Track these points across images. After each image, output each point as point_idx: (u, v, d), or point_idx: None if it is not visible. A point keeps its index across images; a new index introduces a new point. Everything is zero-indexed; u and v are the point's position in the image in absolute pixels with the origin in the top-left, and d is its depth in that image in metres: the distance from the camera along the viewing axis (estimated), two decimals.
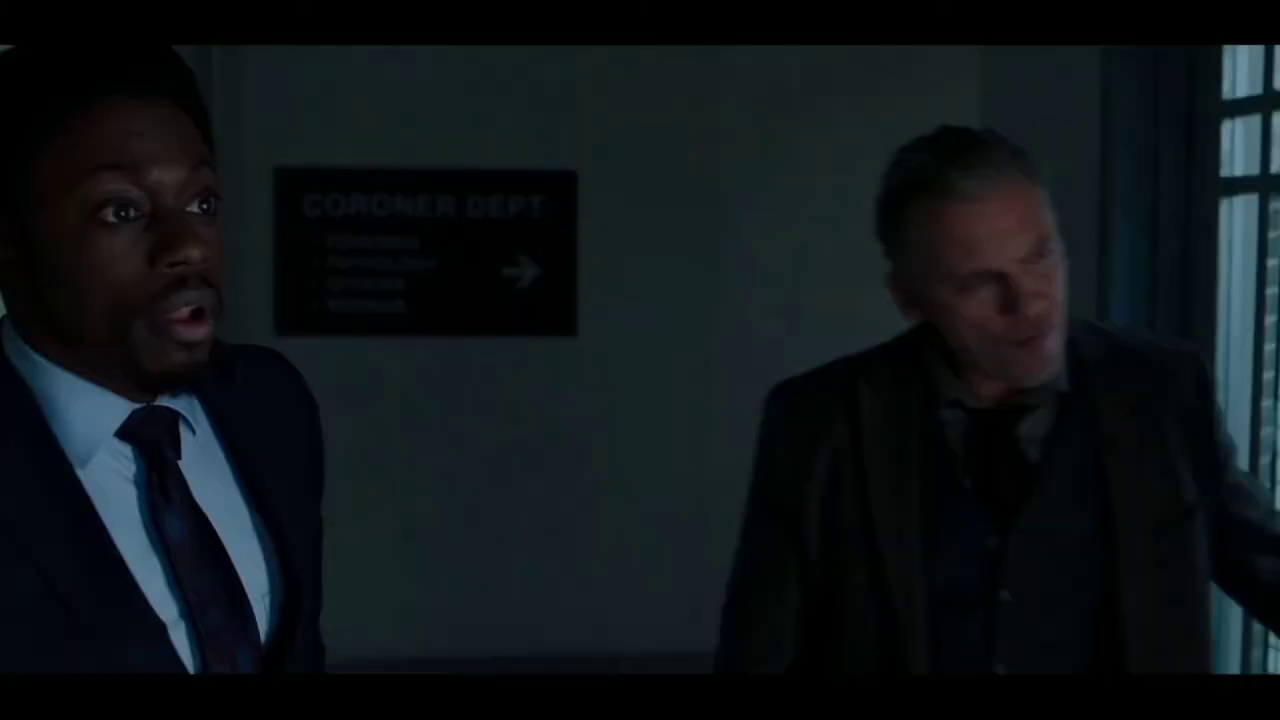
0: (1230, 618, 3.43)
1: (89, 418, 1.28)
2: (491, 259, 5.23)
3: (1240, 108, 3.43)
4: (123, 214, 1.22)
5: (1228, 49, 3.42)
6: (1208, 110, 3.42)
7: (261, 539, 1.40)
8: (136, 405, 1.31)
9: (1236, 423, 3.33)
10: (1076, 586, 1.92)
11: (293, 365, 1.55)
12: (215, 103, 5.11)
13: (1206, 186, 3.43)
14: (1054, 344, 1.86)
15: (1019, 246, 1.82)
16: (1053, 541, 1.91)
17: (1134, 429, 1.92)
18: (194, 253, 1.23)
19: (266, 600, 1.39)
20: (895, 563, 1.92)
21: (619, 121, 5.15)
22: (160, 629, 1.28)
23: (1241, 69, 3.46)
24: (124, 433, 1.31)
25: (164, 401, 1.33)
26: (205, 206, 1.27)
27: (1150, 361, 1.98)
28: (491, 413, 5.18)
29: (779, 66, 4.89)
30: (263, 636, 1.38)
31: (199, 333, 1.26)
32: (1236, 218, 3.43)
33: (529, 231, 5.26)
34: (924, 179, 1.86)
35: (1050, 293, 1.84)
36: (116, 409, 1.30)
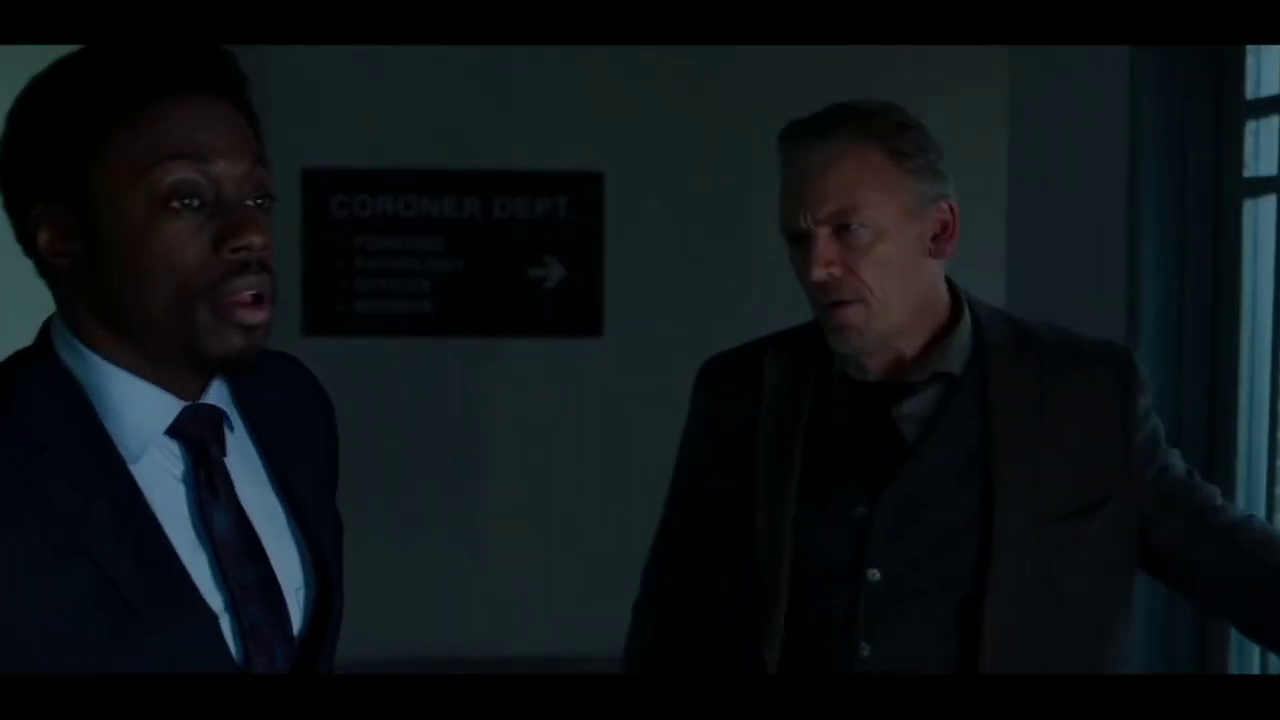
0: None
1: (141, 415, 1.31)
2: (518, 260, 5.24)
3: (1264, 108, 3.41)
4: (188, 201, 1.27)
5: (1252, 49, 3.41)
6: (1234, 111, 3.41)
7: (294, 535, 1.44)
8: (185, 404, 1.35)
9: (1256, 422, 3.31)
10: (949, 573, 1.86)
11: (306, 367, 1.59)
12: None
13: (1232, 187, 3.42)
14: (855, 315, 1.86)
15: (819, 211, 1.85)
16: (925, 523, 1.87)
17: (1028, 419, 1.88)
18: (256, 239, 1.29)
19: (300, 595, 1.43)
20: (766, 529, 1.94)
21: (645, 123, 5.15)
22: (212, 619, 1.32)
23: (1268, 69, 3.45)
24: (172, 430, 1.34)
25: (208, 399, 1.37)
26: (261, 202, 1.33)
27: (1061, 355, 1.93)
28: (517, 413, 5.18)
29: (808, 66, 4.89)
30: (295, 631, 1.42)
31: (258, 316, 1.31)
32: (1261, 218, 3.42)
33: (555, 232, 5.26)
34: (779, 143, 1.96)
35: (836, 262, 1.85)
36: (167, 407, 1.33)
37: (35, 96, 1.31)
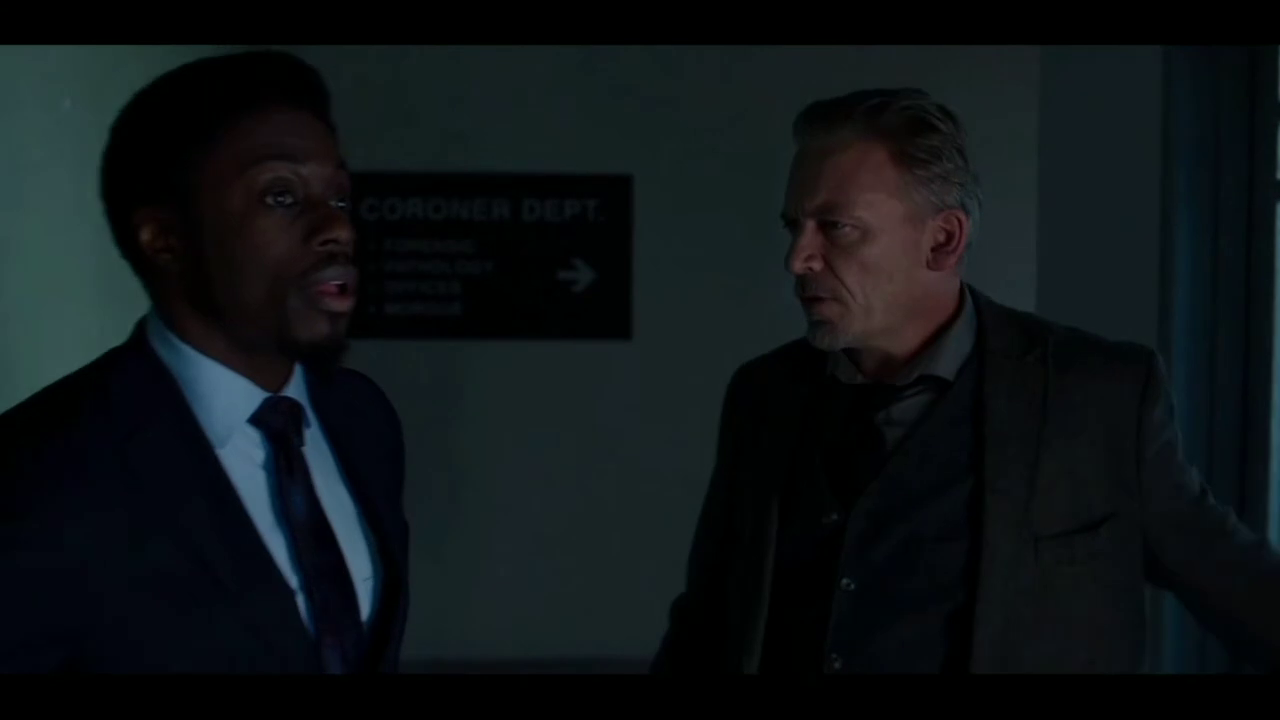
0: None
1: (228, 403, 1.43)
2: (547, 263, 5.24)
3: None
4: (282, 198, 1.40)
5: None
6: (1266, 113, 3.38)
7: (363, 530, 1.53)
8: (268, 394, 1.45)
9: None
10: (930, 586, 1.76)
11: (379, 386, 1.73)
12: None
13: (1264, 189, 3.40)
14: (829, 312, 1.79)
15: (809, 202, 1.79)
16: (902, 533, 1.77)
17: (1026, 427, 1.76)
18: (342, 234, 1.42)
19: (369, 585, 1.51)
20: (751, 537, 1.90)
21: (674, 125, 5.15)
22: (290, 594, 1.42)
23: None
24: (255, 419, 1.45)
25: (288, 393, 1.48)
26: (342, 204, 1.45)
27: (1072, 359, 1.81)
28: (547, 416, 5.18)
29: (837, 68, 4.87)
30: (364, 619, 1.50)
31: (343, 304, 1.43)
32: None
33: (584, 235, 5.26)
34: (794, 124, 1.88)
35: (816, 256, 1.77)
36: (252, 396, 1.44)
37: (141, 108, 1.44)
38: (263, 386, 1.46)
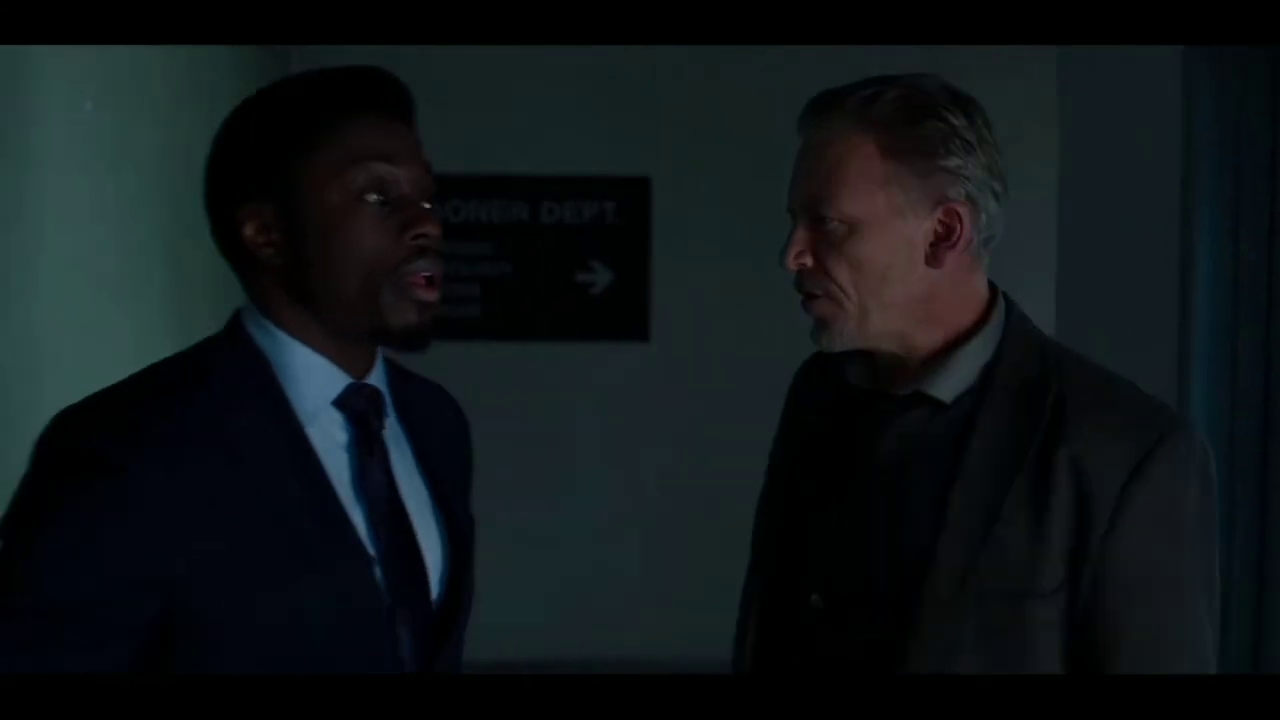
0: None
1: (317, 385, 1.54)
2: (565, 264, 5.24)
3: None
4: (378, 196, 1.52)
5: None
6: None
7: (435, 516, 1.63)
8: (352, 380, 1.56)
9: None
10: (882, 613, 1.65)
11: (452, 396, 1.83)
12: None
13: None
14: (823, 310, 1.69)
15: (798, 197, 1.70)
16: (866, 553, 1.68)
17: (1003, 473, 1.63)
18: (433, 230, 1.54)
19: (438, 570, 1.60)
20: (756, 546, 1.84)
21: (692, 127, 5.15)
22: (369, 562, 1.51)
23: None
24: (339, 402, 1.56)
25: (370, 381, 1.58)
26: (429, 205, 1.58)
27: (1082, 410, 1.65)
28: (564, 418, 5.19)
29: (856, 69, 4.87)
30: (432, 599, 1.59)
31: (431, 295, 1.55)
32: None
33: (602, 237, 5.27)
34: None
35: (807, 252, 1.68)
36: (338, 380, 1.55)
37: (247, 115, 1.55)
38: (349, 373, 1.56)
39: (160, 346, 2.99)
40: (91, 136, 2.46)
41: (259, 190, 1.52)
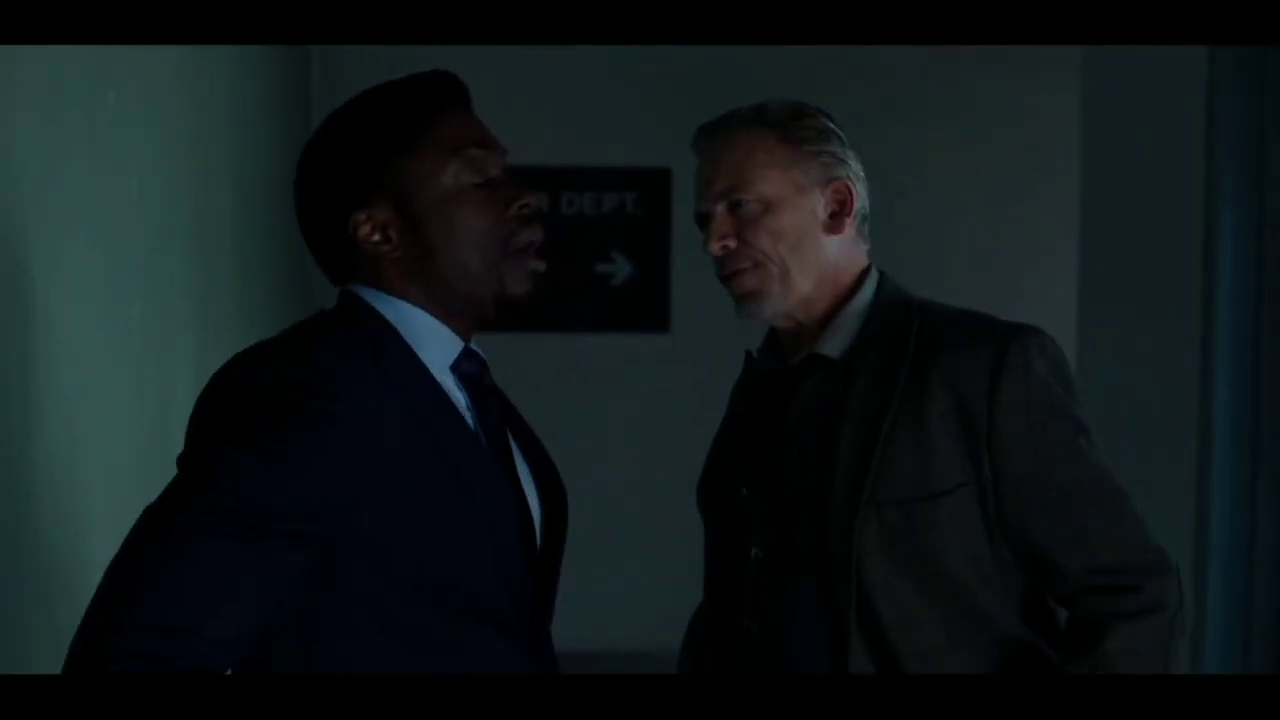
0: None
1: (439, 344, 1.66)
2: (585, 256, 5.24)
3: None
4: (480, 179, 1.66)
5: None
6: None
7: (534, 476, 1.76)
8: (464, 344, 1.68)
9: None
10: (809, 553, 1.91)
11: None
12: (314, 102, 5.16)
13: None
14: (751, 280, 1.96)
15: (712, 189, 1.98)
16: (792, 505, 1.94)
17: (881, 404, 1.89)
18: (532, 199, 1.70)
19: (536, 525, 1.72)
20: (702, 510, 2.10)
21: (714, 116, 5.14)
22: (517, 514, 1.66)
23: None
24: (454, 366, 1.68)
25: (474, 347, 1.71)
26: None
27: (945, 338, 1.91)
28: (584, 409, 5.19)
29: (876, 65, 4.87)
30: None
31: (541, 264, 1.68)
32: None
33: (623, 228, 5.26)
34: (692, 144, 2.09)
35: (730, 235, 1.95)
36: (455, 342, 1.68)
37: (345, 125, 1.67)
38: (462, 336, 1.69)
39: (182, 339, 3.00)
40: (114, 128, 2.46)
41: (372, 194, 1.65)
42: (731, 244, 1.97)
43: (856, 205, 1.99)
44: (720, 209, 1.97)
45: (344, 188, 1.65)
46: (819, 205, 1.97)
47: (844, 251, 1.99)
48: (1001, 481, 1.87)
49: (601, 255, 5.27)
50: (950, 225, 5.19)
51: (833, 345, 1.96)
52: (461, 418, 1.64)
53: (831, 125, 2.02)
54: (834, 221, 1.97)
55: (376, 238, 1.64)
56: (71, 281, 2.20)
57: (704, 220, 2.01)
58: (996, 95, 5.09)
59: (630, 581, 5.17)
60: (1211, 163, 3.39)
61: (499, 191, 1.67)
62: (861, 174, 2.01)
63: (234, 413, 1.52)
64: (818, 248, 1.97)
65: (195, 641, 1.44)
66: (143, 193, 2.65)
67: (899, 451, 1.88)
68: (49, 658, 2.05)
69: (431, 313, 1.66)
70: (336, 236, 1.66)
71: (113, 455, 2.40)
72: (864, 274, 2.01)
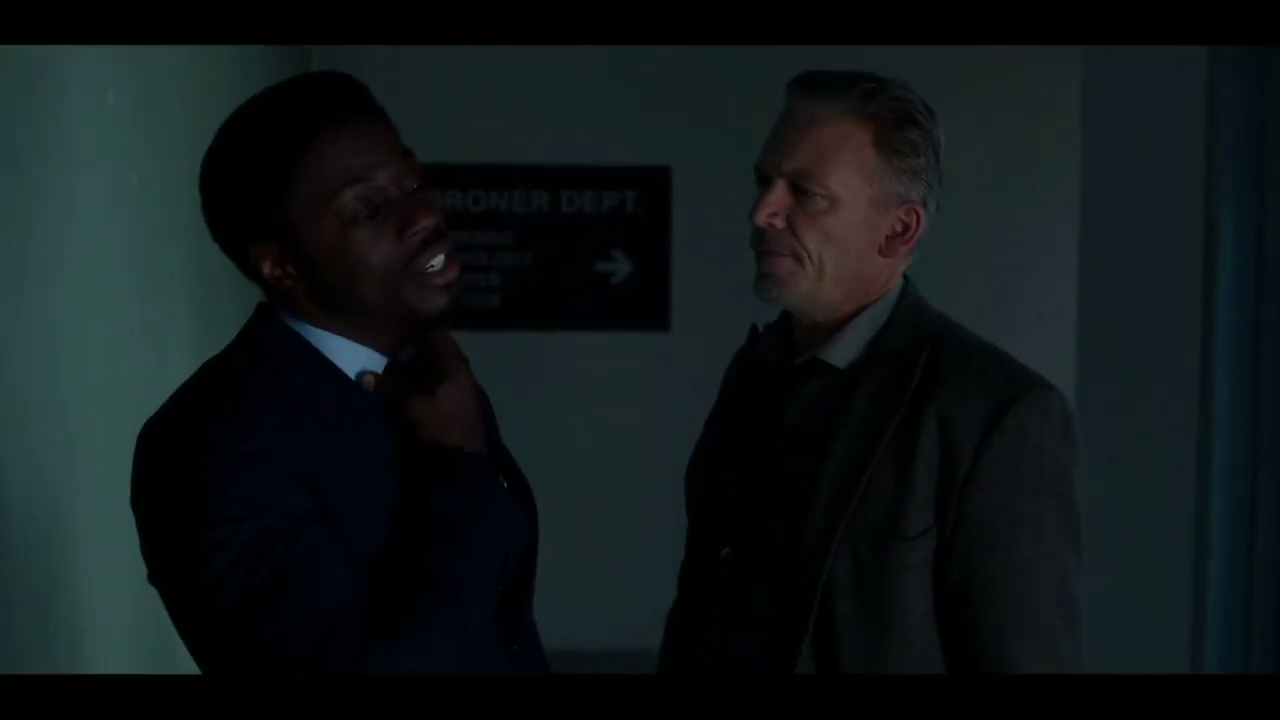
0: None
1: (354, 366, 1.62)
2: (585, 254, 5.24)
3: None
4: (368, 215, 1.56)
5: None
6: None
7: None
8: (387, 358, 1.64)
9: None
10: (780, 563, 1.84)
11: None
12: None
13: None
14: (781, 267, 1.85)
15: (787, 162, 1.85)
16: (768, 510, 1.86)
17: (874, 430, 1.81)
18: (428, 221, 1.59)
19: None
20: (689, 505, 2.05)
21: (713, 116, 5.14)
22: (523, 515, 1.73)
23: None
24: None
25: (404, 357, 1.66)
26: (419, 185, 1.61)
27: (950, 375, 1.81)
28: (584, 408, 5.19)
29: (880, 66, 4.86)
30: None
31: (450, 274, 1.62)
32: None
33: (623, 227, 5.26)
34: (787, 87, 1.97)
35: (781, 214, 1.84)
36: (376, 363, 1.63)
37: (224, 161, 1.59)
38: (384, 354, 1.64)
39: (181, 337, 3.00)
40: (114, 126, 2.46)
41: (261, 233, 1.58)
42: (779, 223, 1.85)
43: (920, 233, 1.87)
44: (783, 184, 1.84)
45: (235, 224, 1.60)
46: (884, 223, 1.86)
47: (887, 272, 1.89)
48: (956, 540, 1.79)
49: (601, 254, 5.27)
50: (951, 225, 5.17)
51: (840, 354, 1.87)
52: (382, 425, 1.60)
53: (935, 137, 1.88)
54: (891, 244, 1.86)
55: (278, 273, 1.59)
56: (71, 280, 2.20)
57: (762, 180, 1.88)
58: (997, 95, 5.08)
59: (629, 579, 5.17)
60: (1211, 163, 3.39)
61: (392, 217, 1.57)
62: (939, 194, 1.89)
63: (168, 485, 1.51)
64: (864, 263, 1.86)
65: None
66: (143, 191, 2.64)
67: (883, 484, 1.80)
68: (43, 656, 2.05)
69: (347, 335, 1.62)
70: (243, 266, 1.62)
71: (111, 454, 2.40)
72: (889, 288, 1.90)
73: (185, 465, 1.50)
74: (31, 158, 2.03)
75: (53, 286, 2.11)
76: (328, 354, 1.61)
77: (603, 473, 5.18)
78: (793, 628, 1.82)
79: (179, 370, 2.89)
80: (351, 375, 1.61)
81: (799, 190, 1.84)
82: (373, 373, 1.63)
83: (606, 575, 5.17)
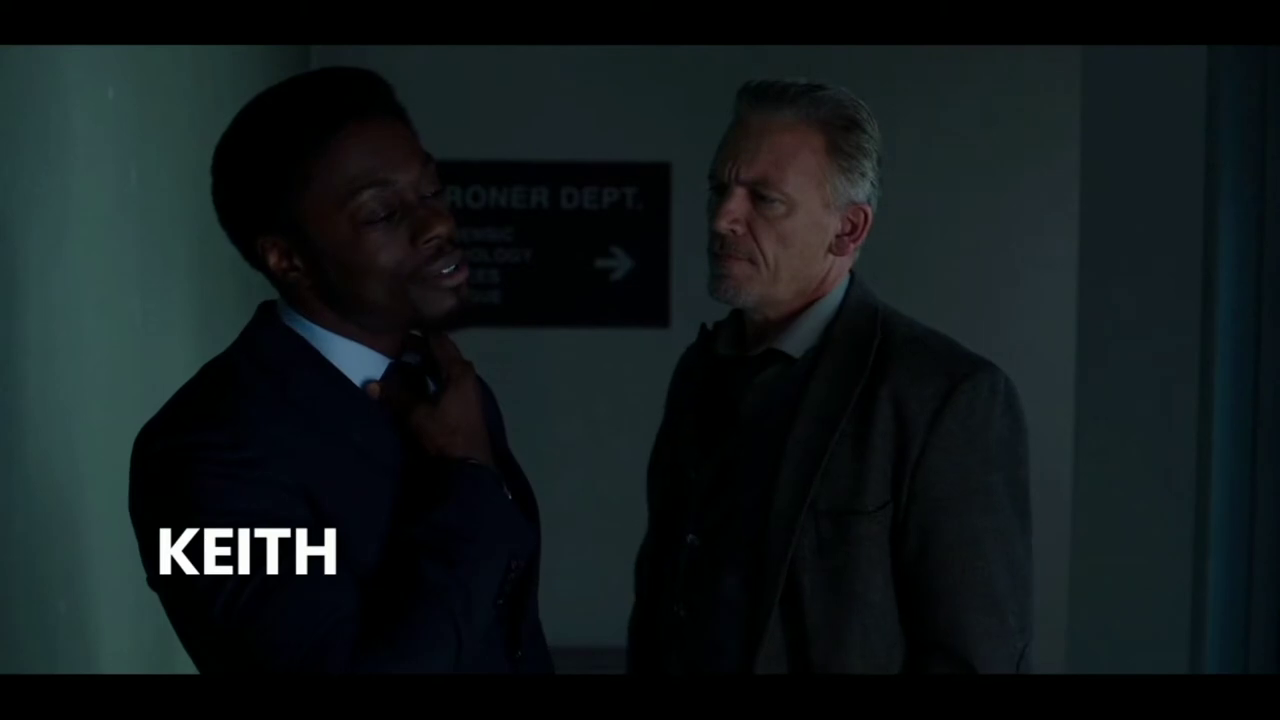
0: None
1: (357, 368, 1.60)
2: (585, 251, 5.24)
3: None
4: (384, 216, 1.54)
5: None
6: None
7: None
8: (390, 361, 1.63)
9: None
10: (745, 547, 1.92)
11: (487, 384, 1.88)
12: None
13: None
14: (739, 270, 1.95)
15: (745, 171, 1.96)
16: (731, 495, 1.94)
17: (831, 411, 1.90)
18: (442, 229, 1.57)
19: None
20: (650, 494, 2.15)
21: (712, 113, 5.13)
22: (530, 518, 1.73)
23: None
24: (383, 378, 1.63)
25: (406, 358, 1.66)
26: (436, 192, 1.60)
27: (900, 358, 1.91)
28: (584, 404, 5.19)
29: (878, 60, 4.86)
30: None
31: (459, 277, 1.59)
32: None
33: (623, 223, 5.27)
34: (737, 96, 2.09)
35: (741, 220, 1.94)
36: (376, 363, 1.62)
37: (240, 148, 1.56)
38: (387, 355, 1.63)
39: (182, 333, 3.00)
40: (113, 122, 2.46)
41: (271, 223, 1.56)
42: (739, 230, 1.96)
43: (867, 231, 1.98)
44: (742, 191, 1.96)
45: (246, 213, 1.57)
46: (834, 223, 1.96)
47: (836, 269, 1.99)
48: (911, 512, 1.88)
49: (601, 250, 5.27)
50: (950, 223, 5.19)
51: (794, 344, 1.97)
52: (379, 414, 1.59)
53: (875, 137, 2.00)
54: (840, 242, 1.97)
55: (284, 264, 1.57)
56: (71, 277, 2.20)
57: (719, 188, 2.00)
58: (996, 92, 5.08)
59: (628, 575, 5.18)
60: (1212, 161, 3.39)
61: (405, 222, 1.55)
62: (879, 191, 2.00)
63: (164, 498, 1.49)
64: (815, 262, 1.96)
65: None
66: (143, 188, 2.65)
67: (841, 462, 1.89)
68: (44, 655, 2.05)
69: (350, 335, 1.60)
70: (250, 257, 1.60)
71: (112, 452, 2.40)
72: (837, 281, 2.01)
73: (178, 474, 1.48)
74: (32, 154, 2.03)
75: (52, 285, 2.12)
76: (330, 357, 1.59)
77: (602, 469, 5.18)
78: (761, 603, 1.90)
79: (180, 368, 2.89)
80: (354, 378, 1.60)
81: (758, 197, 1.94)
82: (377, 382, 1.61)
83: (604, 572, 5.18)
